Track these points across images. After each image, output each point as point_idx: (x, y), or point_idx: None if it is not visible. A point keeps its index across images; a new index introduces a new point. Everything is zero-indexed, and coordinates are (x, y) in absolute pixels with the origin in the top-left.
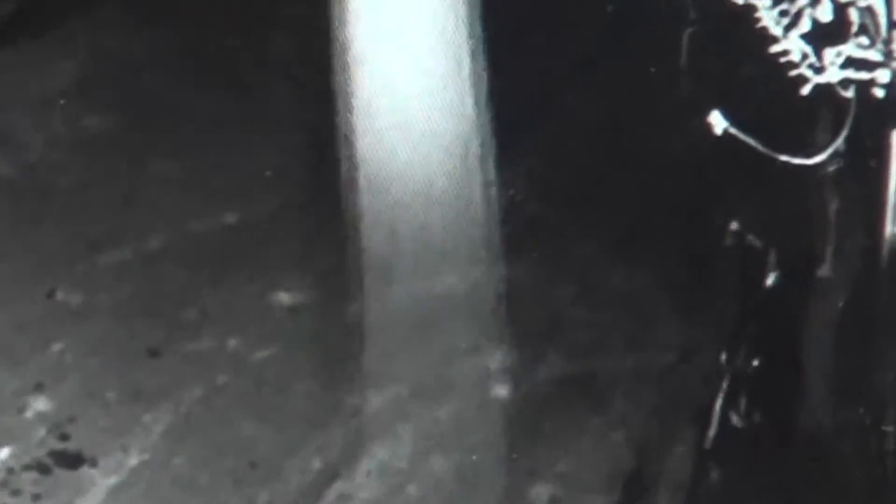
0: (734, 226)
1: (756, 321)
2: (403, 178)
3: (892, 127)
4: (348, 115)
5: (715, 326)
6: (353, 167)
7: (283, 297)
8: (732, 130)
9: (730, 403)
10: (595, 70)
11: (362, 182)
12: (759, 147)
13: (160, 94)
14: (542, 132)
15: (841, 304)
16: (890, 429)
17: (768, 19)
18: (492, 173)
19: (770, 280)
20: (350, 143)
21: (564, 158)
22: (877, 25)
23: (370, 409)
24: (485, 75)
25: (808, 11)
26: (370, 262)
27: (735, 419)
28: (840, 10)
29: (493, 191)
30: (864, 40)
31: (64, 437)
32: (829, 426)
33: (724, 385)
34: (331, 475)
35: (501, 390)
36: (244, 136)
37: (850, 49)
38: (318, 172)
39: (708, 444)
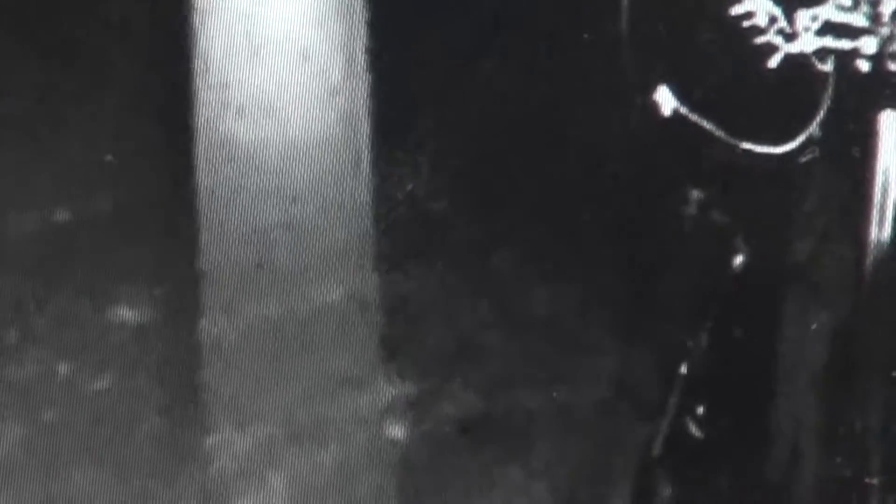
0: (686, 227)
1: (710, 352)
2: (274, 166)
3: (880, 108)
4: (206, 87)
5: (659, 353)
6: (214, 152)
7: (126, 314)
8: (683, 111)
9: (675, 453)
10: (515, 36)
11: (224, 171)
12: (716, 132)
13: None
14: (448, 112)
15: (814, 326)
16: (874, 482)
17: None
18: (384, 162)
19: (729, 297)
20: (210, 123)
21: (476, 145)
22: None
23: (233, 453)
24: (377, 43)
25: None
26: (234, 271)
27: (671, 484)
28: None
29: (386, 184)
30: (845, 1)
31: None
32: (802, 479)
33: (668, 428)
34: None
35: (396, 431)
36: (77, 112)
37: (828, 12)
38: (170, 159)
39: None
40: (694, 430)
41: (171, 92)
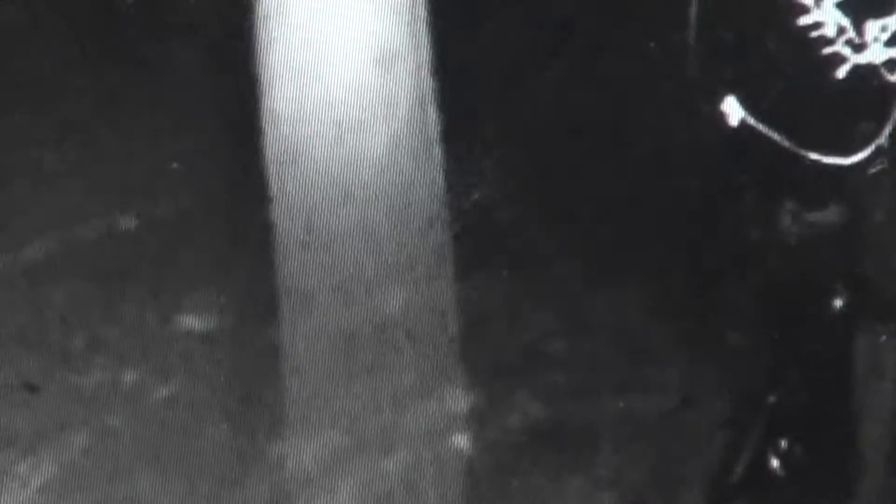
0: (754, 237)
1: (779, 359)
2: (337, 175)
3: None
4: (272, 94)
5: (725, 364)
6: (281, 159)
7: (192, 322)
8: (751, 121)
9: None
10: (581, 44)
11: (292, 178)
12: (784, 142)
13: (35, 68)
14: (515, 119)
15: (885, 337)
16: None
17: None
18: (449, 171)
19: (796, 307)
20: (276, 130)
21: (542, 153)
22: None
23: (299, 461)
24: (443, 48)
25: None
26: (301, 279)
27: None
28: None
29: (451, 192)
30: None
31: None
32: (857, 491)
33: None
34: None
35: (462, 440)
36: (143, 119)
37: None
38: (236, 166)
39: None
40: (775, 463)
41: (237, 98)
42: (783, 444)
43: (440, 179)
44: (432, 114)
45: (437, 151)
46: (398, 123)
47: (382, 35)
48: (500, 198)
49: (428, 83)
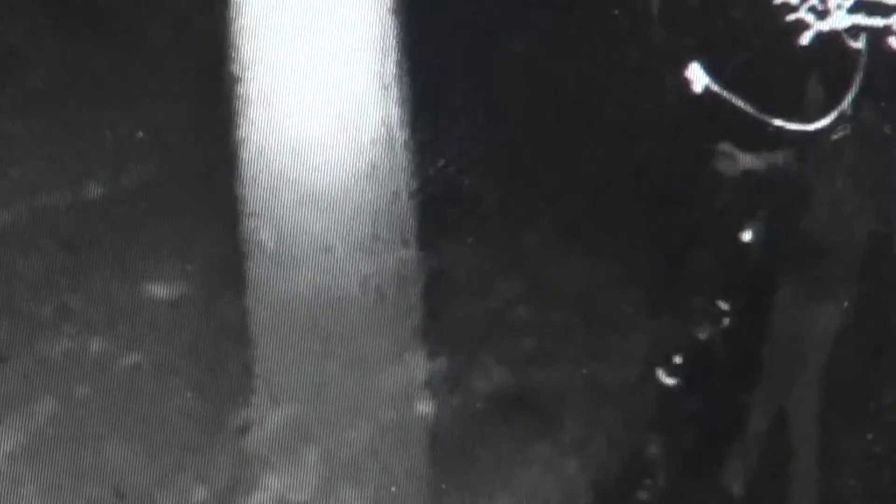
0: (718, 205)
1: (741, 324)
2: (306, 143)
3: None
4: (239, 64)
5: (689, 331)
6: (246, 129)
7: (158, 290)
8: (715, 88)
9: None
10: (547, 12)
11: (255, 148)
12: (748, 109)
13: (1, 37)
14: (481, 88)
15: (847, 303)
16: None
17: None
18: (417, 138)
19: (761, 274)
20: (243, 100)
21: (508, 120)
22: None
23: (264, 428)
24: (410, 17)
25: None
26: (266, 248)
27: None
28: None
29: (417, 160)
30: None
31: None
32: (831, 455)
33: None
34: None
35: (427, 407)
36: (109, 89)
37: None
38: (203, 134)
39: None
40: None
41: (204, 68)
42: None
43: (406, 147)
44: (399, 82)
45: (403, 120)
46: (364, 92)
47: (349, 7)
48: (467, 165)
49: (395, 52)
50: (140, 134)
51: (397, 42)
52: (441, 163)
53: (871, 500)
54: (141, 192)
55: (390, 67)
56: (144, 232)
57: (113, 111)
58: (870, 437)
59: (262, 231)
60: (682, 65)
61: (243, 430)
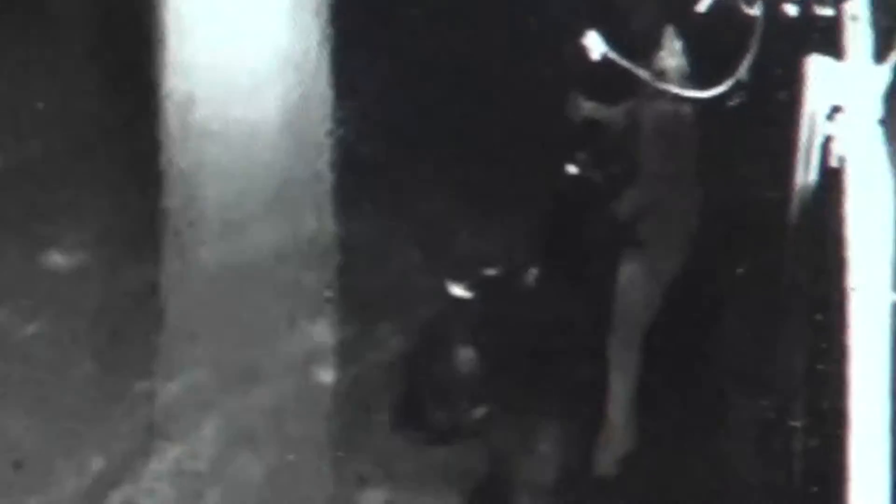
0: (616, 171)
1: (648, 291)
2: (211, 114)
3: (807, 53)
4: (144, 35)
5: (590, 297)
6: (147, 99)
7: (58, 259)
8: (612, 55)
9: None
10: None
11: (156, 118)
12: (646, 76)
13: None
14: (377, 57)
15: (741, 270)
16: (798, 424)
17: None
18: (314, 108)
19: (658, 234)
20: (143, 69)
21: (408, 90)
22: None
23: (164, 397)
24: None
25: None
26: (167, 216)
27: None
28: None
29: (314, 130)
30: None
31: None
32: (723, 420)
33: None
34: (114, 478)
35: (325, 375)
36: (7, 58)
37: None
38: (105, 104)
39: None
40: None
41: (105, 38)
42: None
43: (303, 118)
44: (297, 54)
45: (301, 91)
46: (262, 62)
47: None
48: (364, 134)
49: (293, 25)
50: (40, 105)
51: (294, 15)
52: (339, 133)
53: (763, 465)
54: (41, 162)
55: (289, 40)
56: (45, 202)
57: (12, 83)
58: (764, 403)
59: (162, 201)
60: (580, 33)
61: (143, 399)
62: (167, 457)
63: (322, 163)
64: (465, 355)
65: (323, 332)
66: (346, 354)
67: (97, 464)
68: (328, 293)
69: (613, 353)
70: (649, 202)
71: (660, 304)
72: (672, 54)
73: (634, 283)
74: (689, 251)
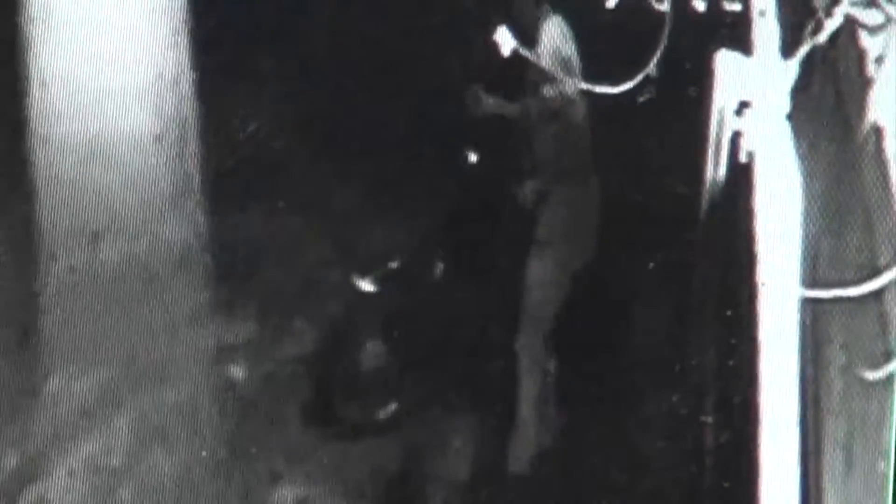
0: (526, 166)
1: (563, 295)
2: (108, 109)
3: (715, 48)
4: (37, 28)
5: (502, 289)
6: (48, 101)
7: None
8: (523, 51)
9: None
10: None
11: (58, 119)
12: (553, 71)
13: None
14: (289, 52)
15: (652, 265)
16: (709, 420)
17: None
18: (227, 103)
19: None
20: (42, 72)
21: (319, 84)
22: None
23: (74, 394)
24: None
25: None
26: (70, 214)
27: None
28: None
29: (229, 125)
30: None
31: None
32: (634, 416)
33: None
34: (27, 475)
35: (238, 371)
36: None
37: None
38: (2, 108)
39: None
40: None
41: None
42: None
43: (216, 112)
44: (206, 47)
45: (210, 83)
46: (170, 55)
47: None
48: (276, 129)
49: (200, 15)
50: None
51: (202, 7)
52: (251, 128)
53: (675, 461)
54: None
55: (195, 32)
56: None
57: None
58: (674, 398)
59: (63, 200)
60: (491, 28)
61: (55, 397)
62: (82, 453)
63: (234, 159)
64: (374, 350)
65: (235, 329)
66: (257, 351)
67: (11, 460)
68: (237, 290)
69: (521, 350)
70: (550, 196)
71: (568, 299)
72: (561, 43)
73: (541, 278)
74: (596, 246)
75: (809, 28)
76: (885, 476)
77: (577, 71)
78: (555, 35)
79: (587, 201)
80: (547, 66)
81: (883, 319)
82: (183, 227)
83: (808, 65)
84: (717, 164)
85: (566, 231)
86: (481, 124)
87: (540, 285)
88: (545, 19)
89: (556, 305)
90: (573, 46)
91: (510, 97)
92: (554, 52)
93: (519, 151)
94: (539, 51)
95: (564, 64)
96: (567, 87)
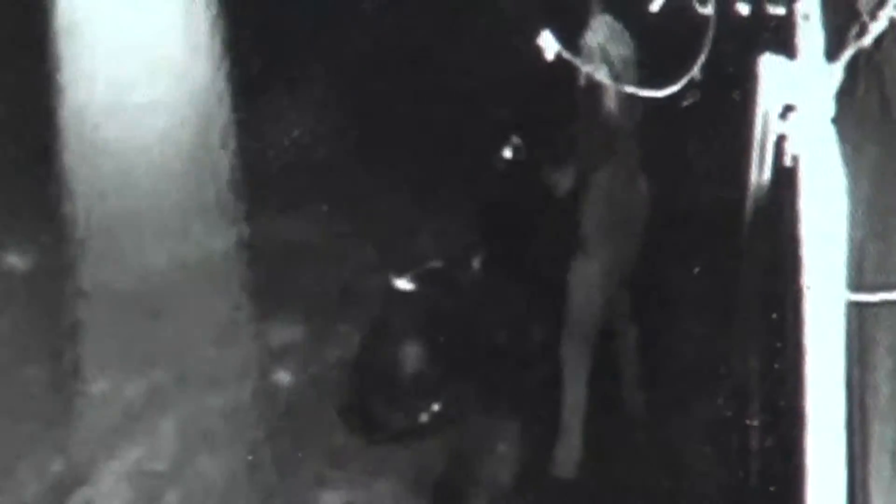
0: (568, 175)
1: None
2: (151, 115)
3: (759, 51)
4: (66, 36)
5: (541, 294)
6: (84, 105)
7: (14, 260)
8: (566, 55)
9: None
10: None
11: (100, 123)
12: (599, 76)
13: None
14: (332, 58)
15: (697, 269)
16: (754, 424)
17: None
18: (269, 110)
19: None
20: (76, 76)
21: (360, 90)
22: None
23: (122, 399)
24: None
25: None
26: (118, 220)
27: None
28: None
29: (272, 131)
30: None
31: None
32: (680, 420)
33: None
34: (74, 479)
35: (283, 375)
36: None
37: None
38: (42, 112)
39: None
40: None
41: (33, 47)
42: None
43: (259, 119)
44: (249, 55)
45: (255, 92)
46: (213, 63)
47: None
48: (319, 135)
49: (245, 26)
50: None
51: (248, 15)
52: (294, 133)
53: (720, 465)
54: None
55: (240, 43)
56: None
57: None
58: (720, 402)
59: (111, 204)
60: (534, 32)
61: (102, 400)
62: (127, 457)
63: (278, 165)
64: (416, 353)
65: (279, 333)
66: (302, 355)
67: (57, 465)
68: (281, 295)
69: (565, 354)
70: (596, 199)
71: (614, 303)
72: (617, 46)
73: (588, 282)
74: (642, 250)
75: (854, 31)
76: None
77: (622, 74)
78: (601, 38)
79: (633, 204)
80: (592, 70)
81: None
82: (228, 232)
83: (852, 68)
84: (761, 167)
85: (612, 234)
86: (522, 126)
87: (586, 289)
88: (593, 22)
89: (602, 310)
90: (620, 49)
91: (555, 100)
92: (600, 55)
93: (564, 152)
94: (584, 54)
95: (610, 67)
96: (612, 90)
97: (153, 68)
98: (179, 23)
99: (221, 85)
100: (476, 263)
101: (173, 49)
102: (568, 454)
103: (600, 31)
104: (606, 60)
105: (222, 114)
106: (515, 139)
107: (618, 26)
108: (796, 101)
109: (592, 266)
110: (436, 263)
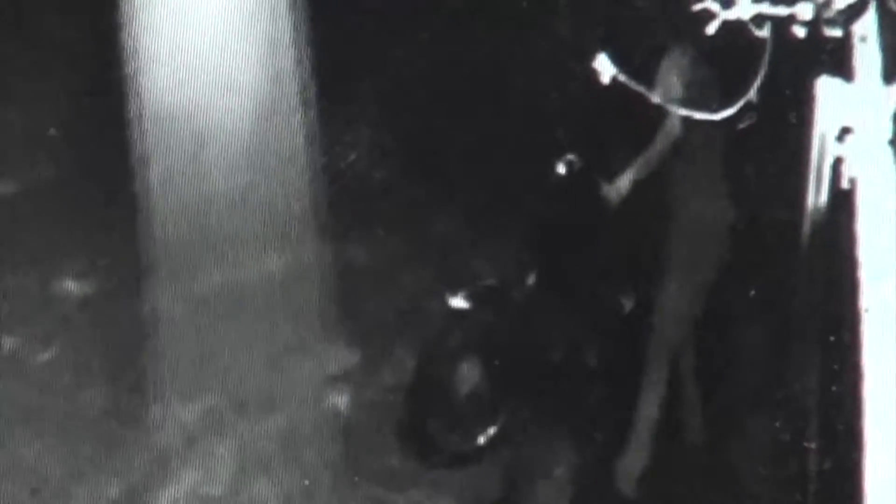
0: (623, 190)
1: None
2: (210, 140)
3: (816, 74)
4: (148, 60)
5: (598, 318)
6: (157, 126)
7: (71, 286)
8: (622, 78)
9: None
10: (453, 2)
11: (167, 144)
12: (655, 98)
13: None
14: (388, 81)
15: (753, 291)
16: (812, 446)
17: None
18: (327, 133)
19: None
20: (152, 97)
21: (417, 113)
22: None
23: (179, 423)
24: (317, 13)
25: None
26: (178, 242)
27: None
28: None
29: (329, 155)
30: None
31: None
32: (737, 441)
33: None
34: None
35: (339, 399)
36: (20, 86)
37: None
38: (113, 132)
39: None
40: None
41: (113, 67)
42: None
43: (317, 143)
44: (307, 78)
45: (312, 114)
46: (275, 89)
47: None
48: (377, 158)
49: (303, 48)
50: (52, 131)
51: (306, 37)
52: (351, 157)
53: (778, 487)
54: (53, 188)
55: (301, 65)
56: (56, 228)
57: (24, 109)
58: (777, 424)
59: (173, 226)
60: (590, 56)
61: (159, 424)
62: (184, 482)
63: (335, 188)
64: (472, 374)
65: (335, 357)
66: (358, 379)
67: (113, 489)
68: (341, 318)
69: (646, 372)
70: (654, 221)
71: (693, 321)
72: (680, 75)
73: (670, 299)
74: (716, 272)
75: None
76: None
77: (679, 97)
78: (662, 63)
79: (707, 225)
80: (649, 94)
81: None
82: (285, 256)
83: None
84: (818, 190)
85: (692, 253)
86: (577, 145)
87: (668, 307)
88: (652, 46)
89: (682, 328)
90: (678, 73)
91: (612, 122)
92: (659, 80)
93: (619, 172)
94: (642, 78)
95: (667, 91)
96: (669, 114)
97: (218, 91)
98: (245, 46)
99: (284, 106)
100: (529, 279)
101: (239, 71)
102: (633, 468)
103: (659, 56)
104: (664, 84)
105: (280, 138)
106: (570, 155)
107: (678, 50)
108: (853, 123)
109: (675, 283)
110: (491, 282)
